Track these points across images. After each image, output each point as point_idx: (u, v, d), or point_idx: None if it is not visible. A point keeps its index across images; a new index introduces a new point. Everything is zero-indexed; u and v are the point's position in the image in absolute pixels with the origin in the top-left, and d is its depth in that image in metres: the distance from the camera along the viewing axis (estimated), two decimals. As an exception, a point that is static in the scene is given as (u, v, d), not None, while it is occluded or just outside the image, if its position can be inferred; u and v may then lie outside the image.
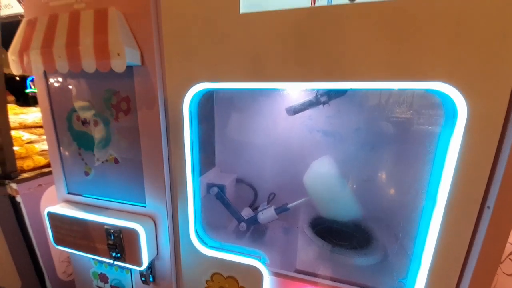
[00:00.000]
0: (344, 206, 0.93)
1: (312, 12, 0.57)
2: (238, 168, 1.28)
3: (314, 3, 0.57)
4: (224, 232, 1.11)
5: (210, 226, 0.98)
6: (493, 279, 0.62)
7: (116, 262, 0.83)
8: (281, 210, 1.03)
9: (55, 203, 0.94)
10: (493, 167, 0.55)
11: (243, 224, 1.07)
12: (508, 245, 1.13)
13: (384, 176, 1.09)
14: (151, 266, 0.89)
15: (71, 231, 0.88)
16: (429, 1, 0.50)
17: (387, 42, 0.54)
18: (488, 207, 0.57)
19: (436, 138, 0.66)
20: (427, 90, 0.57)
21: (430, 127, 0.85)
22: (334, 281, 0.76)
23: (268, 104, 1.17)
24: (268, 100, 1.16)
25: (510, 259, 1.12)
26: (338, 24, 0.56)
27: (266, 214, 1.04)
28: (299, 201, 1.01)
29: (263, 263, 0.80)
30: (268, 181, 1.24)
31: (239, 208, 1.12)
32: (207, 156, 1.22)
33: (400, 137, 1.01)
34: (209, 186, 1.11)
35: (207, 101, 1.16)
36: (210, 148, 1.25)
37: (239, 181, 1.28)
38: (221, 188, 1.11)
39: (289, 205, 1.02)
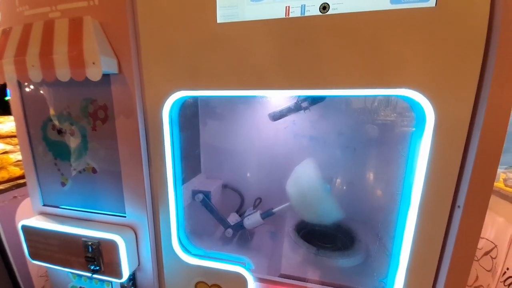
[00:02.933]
0: (324, 209, 0.94)
1: (286, 23, 0.59)
2: (224, 174, 1.28)
3: (288, 14, 0.58)
4: (210, 239, 1.10)
5: (197, 233, 0.96)
6: (468, 274, 0.65)
7: (94, 276, 0.80)
8: (267, 215, 1.03)
9: (31, 215, 0.90)
10: (461, 168, 0.58)
11: (229, 230, 1.06)
12: (487, 242, 1.18)
13: (365, 178, 1.12)
14: (132, 278, 0.86)
15: (47, 245, 0.85)
16: (395, 12, 0.53)
17: (358, 52, 0.56)
18: (459, 207, 0.60)
19: (409, 141, 0.69)
20: (397, 96, 0.59)
21: (405, 131, 0.88)
22: (318, 283, 0.77)
23: (253, 110, 1.18)
24: (252, 106, 1.17)
25: (489, 256, 1.17)
26: (312, 35, 0.58)
27: (252, 219, 1.04)
28: (284, 205, 1.02)
29: (248, 269, 0.79)
30: (254, 186, 1.24)
31: (225, 214, 1.12)
32: (192, 162, 1.21)
33: (379, 140, 1.04)
34: (194, 192, 1.09)
35: (191, 107, 1.15)
36: (195, 155, 1.24)
37: (225, 187, 1.27)
38: (207, 194, 1.10)
39: (274, 210, 1.03)
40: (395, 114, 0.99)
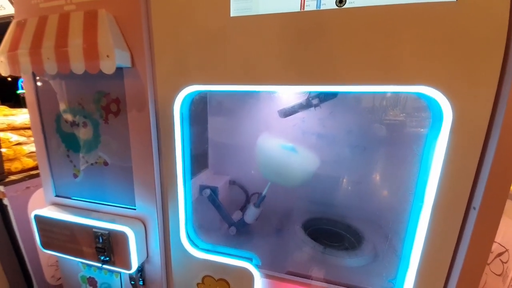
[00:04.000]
0: (292, 173, 0.95)
1: (301, 16, 0.58)
2: (231, 170, 1.28)
3: (303, 8, 0.57)
4: (217, 234, 1.11)
5: (203, 228, 0.97)
6: (480, 279, 0.63)
7: (104, 266, 0.81)
8: (259, 201, 1.03)
9: (43, 206, 0.93)
10: (478, 169, 0.57)
11: (233, 228, 1.06)
12: (497, 245, 1.15)
13: (375, 177, 1.10)
14: (141, 269, 0.88)
15: (58, 235, 0.87)
16: (415, 7, 0.51)
17: (375, 47, 0.55)
18: (474, 208, 0.58)
19: (424, 141, 0.67)
20: (413, 94, 0.58)
21: (419, 129, 0.86)
22: (326, 282, 0.76)
23: (262, 106, 1.17)
24: (261, 102, 1.17)
25: (500, 260, 1.14)
26: (327, 29, 0.57)
27: (249, 212, 1.04)
28: (267, 186, 1.02)
29: (255, 265, 0.79)
30: (261, 183, 1.24)
31: (231, 211, 1.12)
32: (199, 158, 1.21)
33: (390, 139, 1.02)
34: (202, 188, 1.10)
35: (200, 102, 1.16)
36: (202, 150, 1.24)
37: (232, 183, 1.27)
38: (214, 190, 1.10)
39: (263, 193, 1.03)
40: (406, 113, 0.97)
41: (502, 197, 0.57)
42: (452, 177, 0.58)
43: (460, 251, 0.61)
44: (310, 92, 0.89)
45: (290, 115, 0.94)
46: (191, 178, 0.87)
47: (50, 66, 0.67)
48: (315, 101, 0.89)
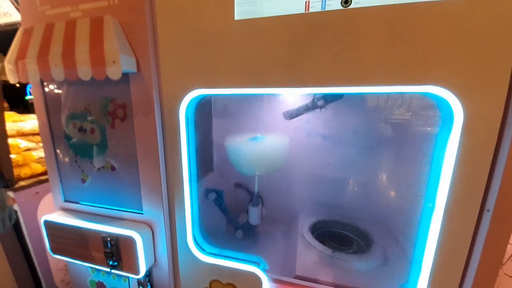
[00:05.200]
0: (268, 158, 0.97)
1: (306, 18, 0.57)
2: (236, 173, 1.27)
3: (308, 9, 0.57)
4: (224, 238, 1.10)
5: (210, 232, 0.97)
6: (494, 282, 0.62)
7: (113, 271, 0.82)
8: (255, 199, 1.04)
9: (52, 211, 0.94)
10: (492, 170, 0.55)
11: (240, 231, 1.06)
12: (510, 246, 1.12)
13: (383, 178, 1.09)
14: (149, 274, 0.88)
15: (68, 240, 0.87)
16: (422, 5, 0.50)
17: (382, 47, 0.54)
18: (488, 210, 0.57)
19: (434, 141, 0.66)
20: (423, 94, 0.57)
21: (428, 130, 0.85)
22: (334, 286, 0.75)
23: (266, 109, 1.16)
24: (266, 104, 1.16)
25: (512, 260, 1.11)
26: (333, 30, 0.56)
27: (250, 214, 1.04)
28: (256, 181, 1.03)
29: (262, 269, 0.79)
30: (267, 186, 1.23)
31: (237, 214, 1.11)
32: (205, 161, 1.21)
33: (398, 139, 1.01)
34: (207, 191, 1.10)
35: (205, 106, 1.16)
36: (208, 153, 1.24)
37: (237, 186, 1.27)
38: (219, 193, 1.10)
39: (255, 190, 1.04)
40: (413, 113, 0.96)
41: (517, 199, 0.55)
42: (465, 179, 0.56)
43: (474, 254, 0.60)
44: (315, 94, 0.88)
45: (295, 117, 0.94)
46: (197, 182, 0.87)
47: (58, 73, 0.68)
48: (320, 103, 0.89)
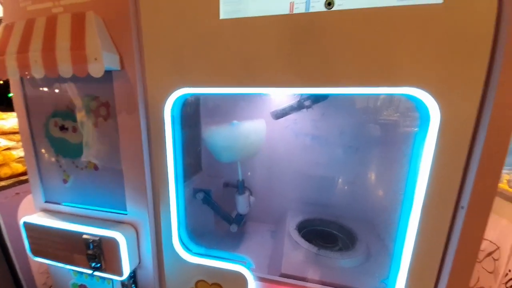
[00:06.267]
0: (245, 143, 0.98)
1: (290, 19, 0.58)
2: (225, 172, 1.27)
3: (293, 10, 0.57)
4: (213, 238, 1.10)
5: (199, 231, 0.96)
6: (470, 276, 0.64)
7: (95, 273, 0.80)
8: (240, 186, 1.03)
9: (33, 212, 0.91)
10: (466, 168, 0.57)
11: (234, 226, 1.06)
12: (488, 243, 1.17)
13: (368, 177, 1.11)
14: (133, 275, 0.86)
15: (48, 242, 0.85)
16: (402, 9, 0.52)
17: (363, 49, 0.55)
18: (462, 207, 0.59)
19: (413, 141, 0.68)
20: (402, 95, 0.59)
21: (410, 130, 0.88)
22: (319, 284, 0.76)
23: (254, 108, 1.17)
24: (254, 104, 1.17)
25: (492, 257, 1.16)
26: (316, 31, 0.57)
27: (239, 202, 1.04)
28: (239, 169, 1.03)
29: (248, 268, 0.79)
30: (256, 184, 1.24)
31: (228, 211, 1.11)
32: (193, 160, 1.21)
33: (382, 139, 1.03)
34: (195, 191, 1.09)
35: (192, 104, 1.15)
36: (196, 153, 1.23)
37: (226, 185, 1.27)
38: (208, 192, 1.10)
39: (239, 178, 1.04)
40: (397, 114, 0.99)
41: (489, 196, 0.58)
42: (440, 177, 0.58)
43: (449, 250, 0.62)
44: (302, 94, 0.89)
45: (282, 116, 0.94)
46: (184, 182, 0.86)
47: (37, 70, 0.66)
48: (307, 103, 0.90)
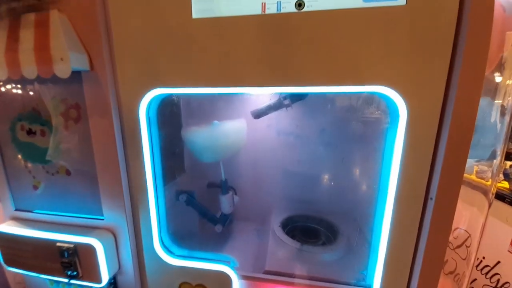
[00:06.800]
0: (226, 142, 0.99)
1: (262, 19, 0.58)
2: (209, 173, 1.26)
3: (265, 11, 0.58)
4: (197, 239, 1.09)
5: (183, 233, 0.95)
6: (442, 263, 0.68)
7: (72, 281, 0.77)
8: (223, 186, 1.04)
9: (3, 221, 0.86)
10: (433, 161, 0.60)
11: (219, 226, 1.05)
12: (463, 232, 1.24)
13: (345, 173, 1.14)
14: (113, 282, 0.84)
15: (21, 251, 0.81)
16: (368, 10, 0.54)
17: (332, 49, 0.57)
18: (431, 198, 0.62)
19: (385, 137, 0.71)
20: (371, 93, 0.61)
21: (382, 127, 0.91)
22: (302, 278, 0.78)
23: (236, 108, 1.17)
24: (235, 103, 1.16)
25: (465, 245, 1.23)
26: (287, 31, 0.58)
27: (222, 202, 1.04)
28: (222, 169, 1.04)
29: (232, 267, 0.79)
30: (240, 183, 1.24)
31: (213, 212, 1.10)
32: (175, 162, 1.19)
33: (358, 136, 1.06)
34: (178, 193, 1.07)
35: (172, 105, 1.13)
36: (177, 154, 1.21)
37: (210, 185, 1.26)
38: (191, 194, 1.09)
39: (222, 177, 1.04)
40: (374, 111, 1.02)
41: (455, 187, 0.61)
42: (410, 170, 0.61)
43: (421, 239, 0.65)
44: (281, 93, 0.90)
45: (262, 116, 0.95)
46: (167, 184, 0.85)
47: (0, 72, 0.62)
48: (286, 102, 0.91)
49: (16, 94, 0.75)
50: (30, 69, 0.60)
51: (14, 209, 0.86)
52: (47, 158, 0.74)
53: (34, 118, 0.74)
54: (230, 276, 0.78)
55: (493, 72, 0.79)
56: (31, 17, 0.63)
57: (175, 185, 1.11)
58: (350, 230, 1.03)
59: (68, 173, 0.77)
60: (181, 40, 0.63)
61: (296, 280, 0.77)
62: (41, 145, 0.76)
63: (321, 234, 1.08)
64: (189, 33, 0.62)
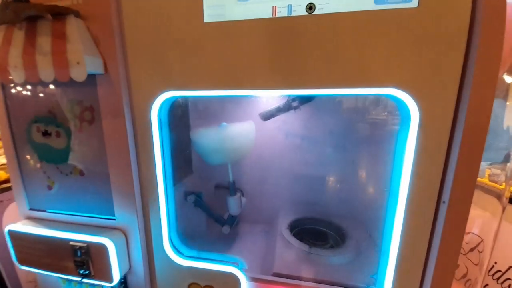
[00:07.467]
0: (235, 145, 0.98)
1: (274, 22, 0.59)
2: (216, 174, 1.27)
3: (275, 14, 0.58)
4: (204, 240, 1.10)
5: (192, 234, 0.96)
6: (455, 268, 0.66)
7: (84, 280, 0.78)
8: (231, 188, 1.03)
9: (18, 220, 0.88)
10: (446, 165, 0.59)
11: (226, 227, 1.06)
12: (473, 236, 1.21)
13: (354, 176, 1.13)
14: (124, 281, 0.85)
15: (35, 250, 0.83)
16: (380, 12, 0.54)
17: (344, 51, 0.57)
18: (444, 202, 0.61)
19: (396, 140, 0.70)
20: (383, 95, 0.60)
21: (392, 129, 0.90)
22: (311, 281, 0.77)
23: (244, 110, 1.17)
24: (243, 105, 1.17)
25: (477, 250, 1.20)
26: (299, 34, 0.58)
27: (230, 204, 1.03)
28: (230, 171, 1.03)
29: (241, 269, 0.79)
30: (247, 185, 1.24)
31: (221, 213, 1.11)
32: (183, 163, 1.20)
33: (368, 138, 1.06)
34: (186, 194, 1.09)
35: (181, 107, 1.14)
36: (186, 156, 1.23)
37: (217, 186, 1.27)
38: (199, 195, 1.09)
39: (230, 179, 1.03)
40: (384, 113, 1.01)
41: (469, 190, 0.60)
42: (422, 173, 0.60)
43: (434, 243, 0.64)
44: (289, 95, 0.90)
45: (271, 117, 0.95)
46: (175, 185, 0.86)
47: (18, 75, 0.65)
48: (294, 104, 0.91)
49: (33, 96, 0.78)
50: (47, 73, 0.62)
51: (29, 208, 0.88)
52: (69, 162, 0.76)
53: (49, 120, 0.77)
54: (239, 277, 0.78)
55: (505, 73, 0.78)
56: (48, 21, 0.65)
57: (183, 186, 1.12)
58: (359, 234, 1.02)
59: (81, 173, 0.79)
60: (192, 44, 0.64)
61: (305, 283, 0.77)
62: (55, 146, 0.78)
63: (329, 237, 1.07)
64: (201, 37, 0.63)
